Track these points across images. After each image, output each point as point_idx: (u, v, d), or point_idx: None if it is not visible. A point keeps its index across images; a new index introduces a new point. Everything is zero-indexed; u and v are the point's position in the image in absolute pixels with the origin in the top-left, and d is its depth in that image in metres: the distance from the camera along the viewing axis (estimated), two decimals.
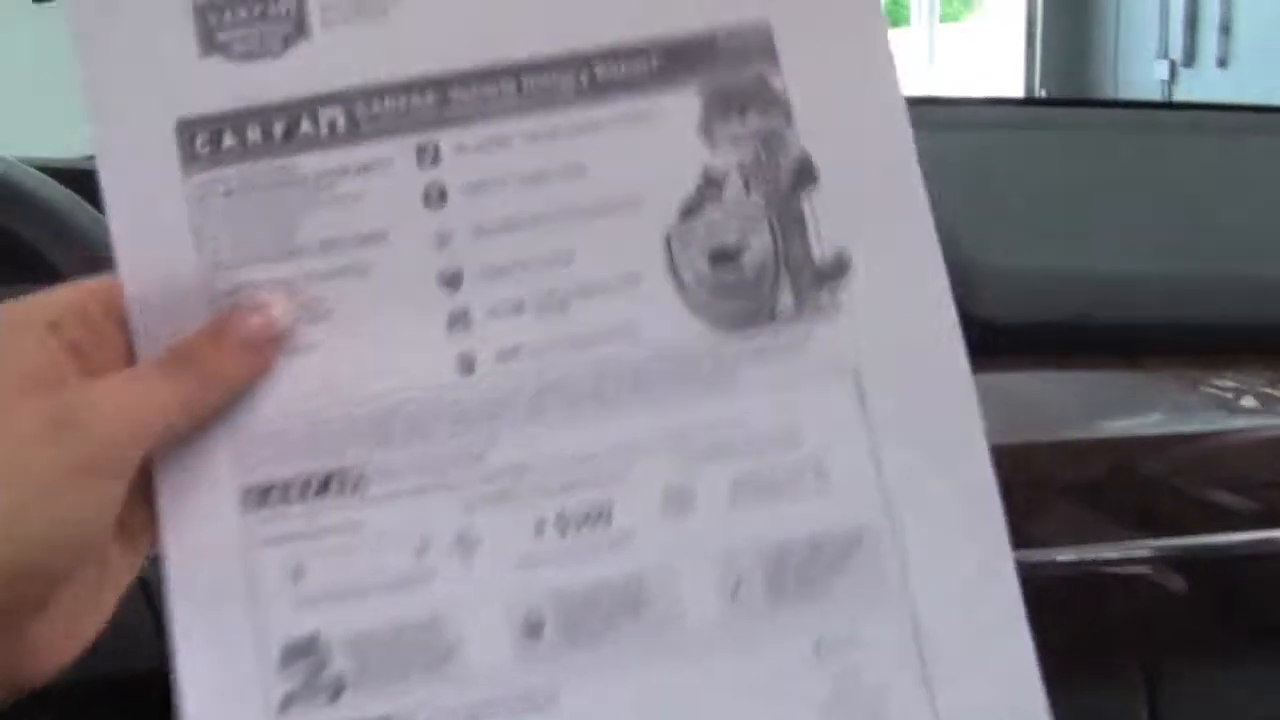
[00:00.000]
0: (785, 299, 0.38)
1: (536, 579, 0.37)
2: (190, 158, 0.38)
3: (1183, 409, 0.84)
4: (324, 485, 0.37)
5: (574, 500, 0.37)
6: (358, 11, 0.38)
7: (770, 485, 0.38)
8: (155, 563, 0.37)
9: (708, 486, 0.38)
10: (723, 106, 0.39)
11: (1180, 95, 4.10)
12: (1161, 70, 4.27)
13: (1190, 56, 4.12)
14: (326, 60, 0.38)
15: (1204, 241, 0.91)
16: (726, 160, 0.39)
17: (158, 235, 0.37)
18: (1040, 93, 4.40)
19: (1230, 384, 0.82)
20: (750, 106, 0.39)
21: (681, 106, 0.39)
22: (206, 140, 0.38)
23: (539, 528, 0.37)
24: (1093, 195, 0.98)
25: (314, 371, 0.37)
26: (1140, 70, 4.31)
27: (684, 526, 0.38)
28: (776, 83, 0.39)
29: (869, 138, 0.39)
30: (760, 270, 0.38)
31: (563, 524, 0.37)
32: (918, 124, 0.39)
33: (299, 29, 0.38)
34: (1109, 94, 4.38)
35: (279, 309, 0.37)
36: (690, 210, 0.38)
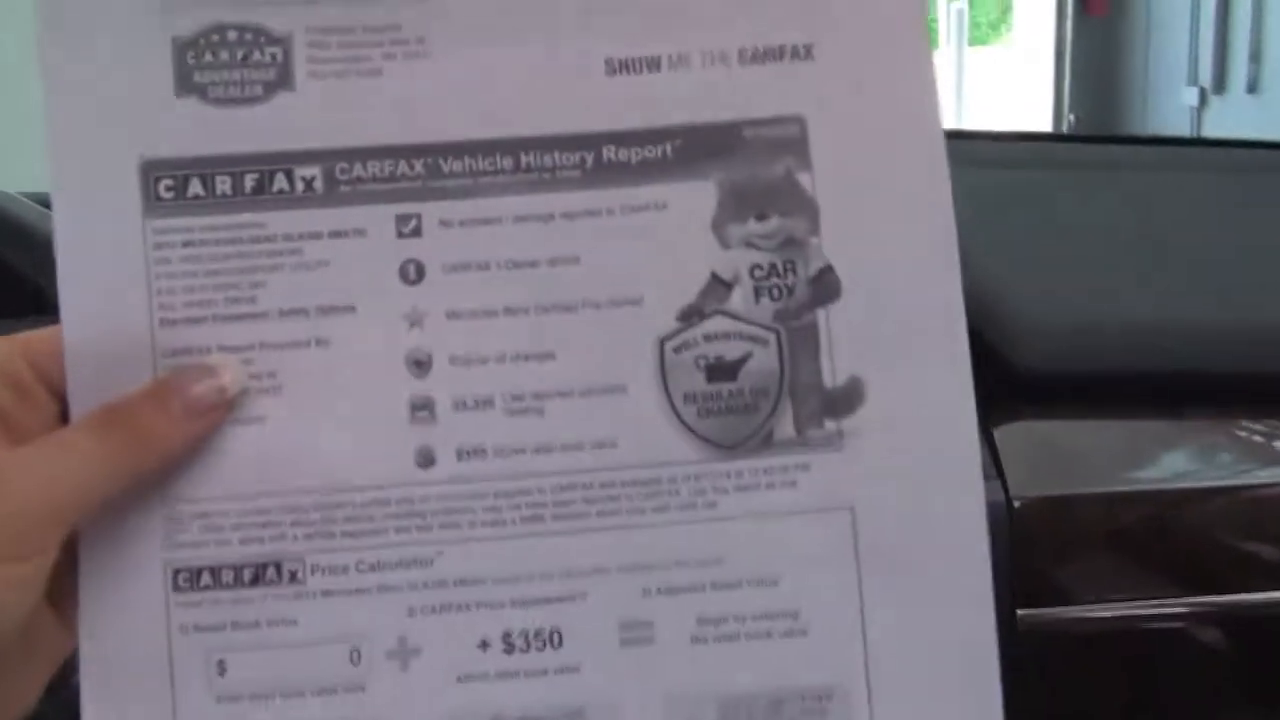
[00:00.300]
0: (784, 425, 0.35)
1: (475, 697, 0.35)
2: (152, 202, 0.35)
3: (1222, 460, 0.81)
4: (258, 574, 0.35)
5: (523, 618, 0.35)
6: (349, 66, 0.35)
7: (738, 627, 0.35)
8: None
9: (669, 621, 0.35)
10: (741, 203, 0.35)
11: (1209, 122, 4.06)
12: (1191, 97, 4.23)
13: (1220, 83, 4.08)
14: (309, 114, 0.35)
15: (1241, 286, 0.89)
16: (738, 263, 0.35)
17: (108, 282, 0.34)
18: (1069, 117, 4.36)
19: (1270, 432, 0.80)
20: (773, 206, 0.35)
21: (695, 198, 0.35)
22: (171, 185, 0.35)
23: (483, 643, 0.35)
24: (1128, 237, 0.95)
25: (258, 448, 0.35)
26: (1169, 96, 4.27)
27: (638, 662, 0.35)
28: (805, 182, 0.35)
29: (905, 254, 0.35)
30: (760, 391, 0.35)
31: (509, 642, 0.35)
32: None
33: (283, 78, 0.35)
34: (1138, 119, 4.34)
35: (229, 376, 0.34)
36: (690, 315, 0.35)
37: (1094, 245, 0.93)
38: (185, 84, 0.35)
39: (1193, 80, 4.19)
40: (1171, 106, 4.22)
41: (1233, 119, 3.92)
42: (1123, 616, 0.72)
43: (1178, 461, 0.81)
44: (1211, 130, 3.97)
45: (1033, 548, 0.68)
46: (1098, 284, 0.86)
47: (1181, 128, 4.08)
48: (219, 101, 0.35)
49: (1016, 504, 0.67)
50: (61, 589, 0.34)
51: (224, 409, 0.34)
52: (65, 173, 0.34)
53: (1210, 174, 1.10)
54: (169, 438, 0.33)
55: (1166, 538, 0.74)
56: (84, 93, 0.35)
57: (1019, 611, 0.67)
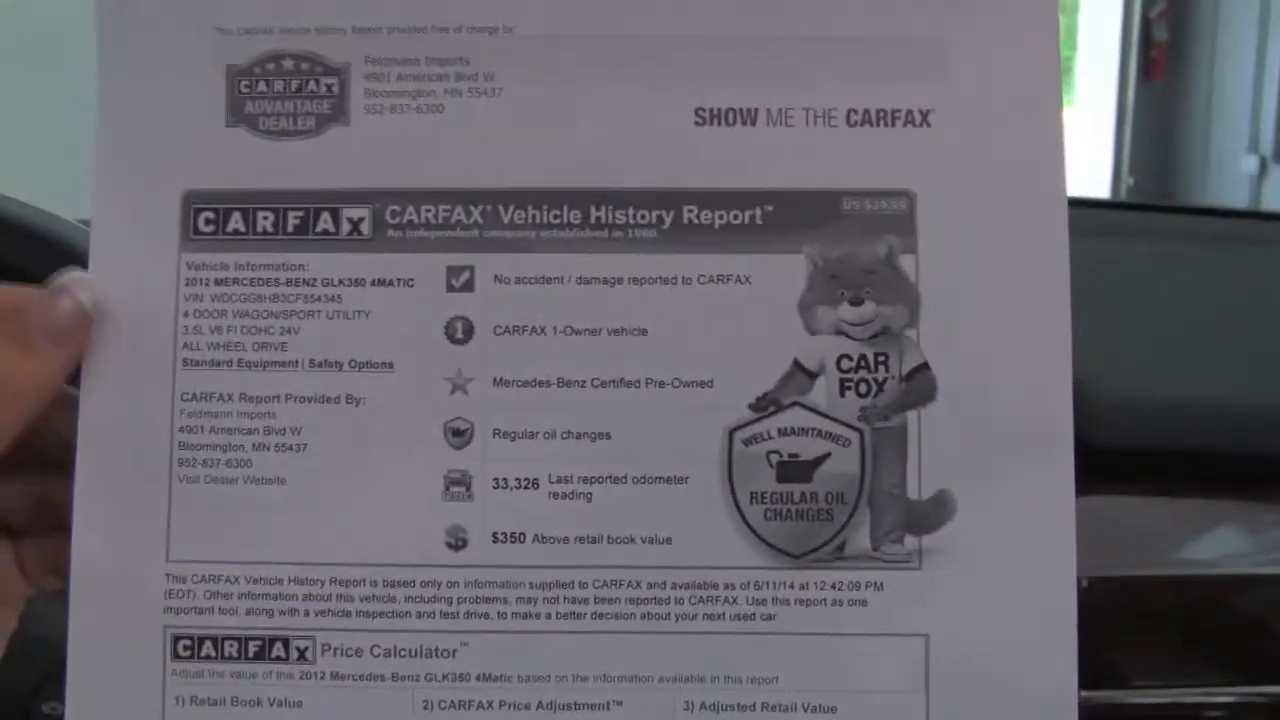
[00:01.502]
0: (860, 537, 0.31)
1: None
2: (190, 235, 0.32)
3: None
4: (264, 648, 0.32)
5: None
6: (409, 101, 0.32)
7: None
8: None
9: None
10: (834, 283, 0.31)
11: (1269, 191, 4.01)
12: (1251, 165, 4.18)
13: None
14: (362, 151, 0.32)
15: None
16: (825, 351, 0.31)
17: (134, 315, 0.32)
18: (1128, 180, 4.32)
19: None
20: (870, 290, 0.31)
21: (783, 273, 0.31)
22: (212, 218, 0.32)
23: None
24: (1193, 312, 0.92)
25: (274, 510, 0.31)
26: (1229, 164, 4.22)
27: None
28: (908, 266, 0.31)
29: (1014, 360, 0.31)
30: (836, 496, 0.31)
31: None
32: None
33: (337, 111, 0.32)
34: (1197, 185, 4.29)
35: (85, 293, 0.31)
36: (766, 405, 0.31)
37: (1159, 318, 0.90)
38: (236, 114, 0.32)
39: (1253, 148, 4.14)
40: (1231, 173, 4.16)
41: None
42: (1188, 703, 0.68)
43: (1246, 544, 0.79)
44: (1271, 198, 3.92)
45: (1098, 628, 0.65)
46: (1164, 359, 0.84)
47: (1240, 195, 4.03)
48: (269, 134, 0.32)
49: (1084, 582, 0.64)
50: None
51: (88, 331, 0.31)
52: (107, 198, 0.32)
53: (1272, 248, 1.07)
54: (34, 376, 0.31)
55: (1233, 621, 0.71)
56: (135, 118, 0.32)
57: (1082, 693, 0.64)
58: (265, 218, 0.32)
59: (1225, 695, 0.68)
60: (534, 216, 0.31)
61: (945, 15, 0.32)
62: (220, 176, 0.32)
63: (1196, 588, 0.72)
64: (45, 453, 0.32)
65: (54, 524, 0.32)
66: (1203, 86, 4.35)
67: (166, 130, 0.32)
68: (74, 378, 0.32)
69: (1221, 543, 0.77)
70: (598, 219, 0.31)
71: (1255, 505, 0.78)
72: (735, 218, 0.31)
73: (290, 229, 0.32)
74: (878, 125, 0.32)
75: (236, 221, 0.32)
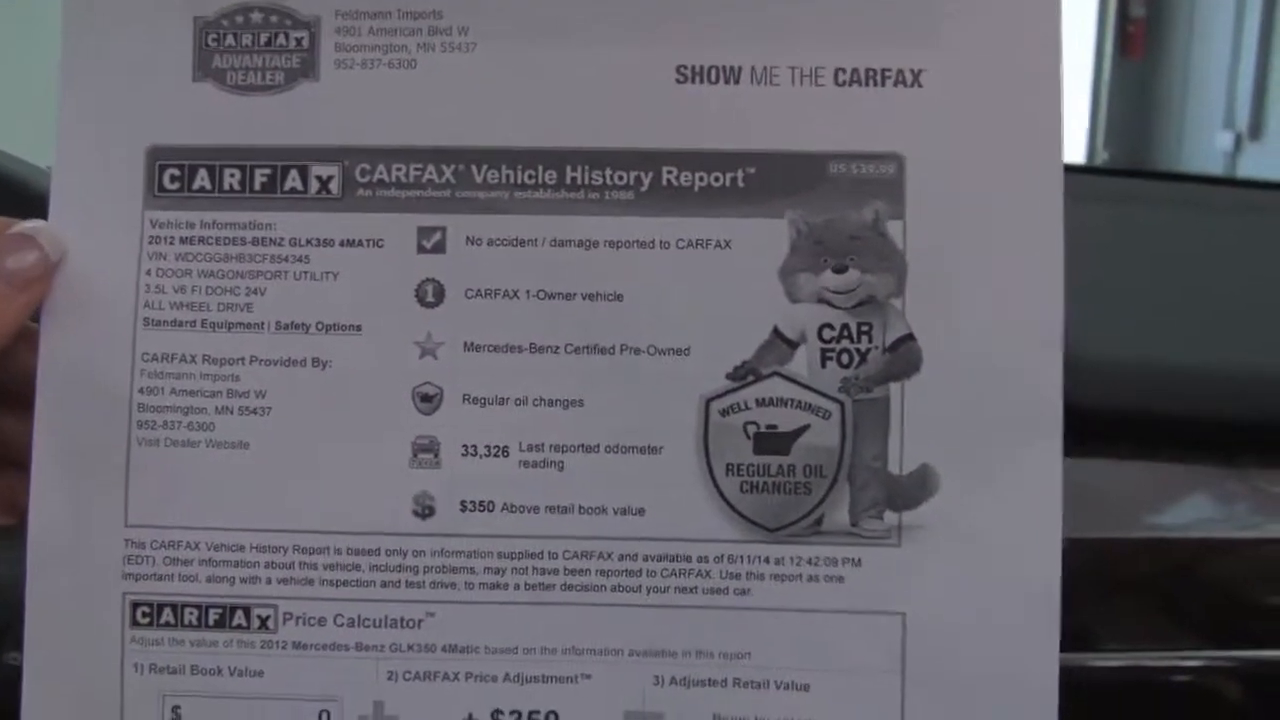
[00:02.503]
0: (838, 512, 0.30)
1: None
2: (154, 192, 0.31)
3: (1255, 509, 0.79)
4: (225, 617, 0.31)
5: (517, 696, 0.31)
6: (380, 56, 0.31)
7: None
8: None
9: (681, 717, 0.30)
10: (818, 249, 0.30)
11: (1244, 167, 4.02)
12: (1226, 141, 4.19)
13: (1256, 129, 4.03)
14: (331, 108, 0.31)
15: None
16: (806, 320, 0.30)
17: (94, 272, 0.31)
18: (1103, 155, 4.34)
19: None
20: (854, 257, 0.30)
21: (765, 239, 0.30)
22: (176, 175, 0.31)
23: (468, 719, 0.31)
24: (1172, 278, 0.92)
25: (237, 476, 0.31)
26: (1205, 140, 4.23)
27: None
28: (895, 232, 0.30)
29: (1002, 331, 0.30)
30: (814, 469, 0.30)
31: None
32: None
33: (306, 66, 0.31)
34: (1172, 161, 4.31)
35: (48, 242, 0.31)
36: (744, 374, 0.30)
37: (1138, 282, 0.90)
38: (203, 68, 0.31)
39: (1229, 125, 4.14)
40: (1207, 149, 4.18)
41: (1268, 165, 3.87)
42: (1158, 667, 0.68)
43: (1219, 510, 0.78)
44: (1246, 174, 3.93)
45: (1069, 590, 0.65)
46: (1142, 322, 0.83)
47: (1215, 171, 4.04)
48: (237, 88, 0.31)
49: None
50: None
51: (48, 279, 0.31)
52: (69, 151, 0.31)
53: (1245, 215, 1.07)
54: None
55: (1204, 586, 0.70)
56: (99, 70, 0.31)
57: None
58: (232, 175, 0.31)
59: (1195, 659, 0.69)
60: (508, 176, 0.30)
61: None
62: (186, 132, 0.31)
63: (1169, 552, 0.72)
64: (4, 386, 0.31)
65: (10, 459, 0.32)
66: (1179, 63, 4.35)
67: (131, 83, 0.31)
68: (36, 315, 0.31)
69: (1195, 509, 0.77)
70: (573, 179, 0.30)
71: (1229, 471, 0.78)
72: (716, 180, 0.30)
73: (257, 187, 0.31)
74: (867, 85, 0.30)
75: (202, 178, 0.31)
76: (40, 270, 0.30)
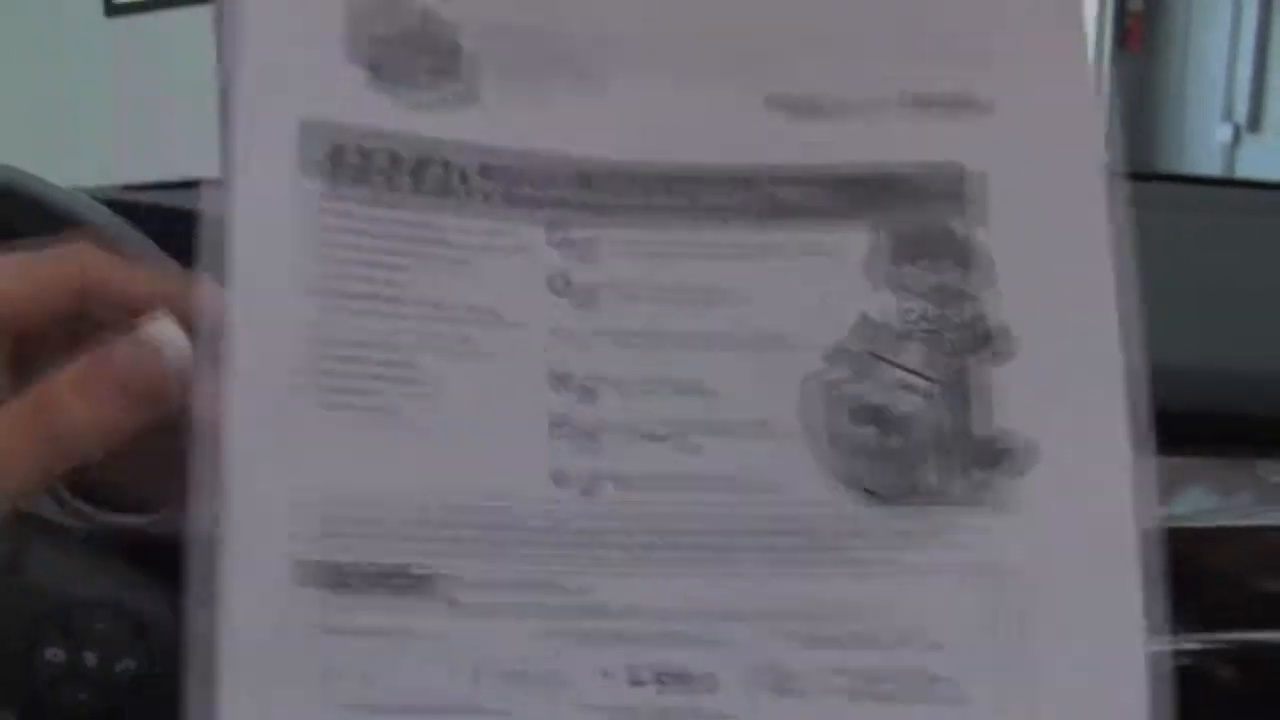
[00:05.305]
0: (937, 478, 0.34)
1: None
2: (323, 174, 0.34)
3: (1244, 500, 0.82)
4: (409, 583, 0.33)
5: (674, 657, 0.34)
6: (524, 88, 0.35)
7: (876, 684, 0.34)
8: None
9: (823, 675, 0.34)
10: (900, 246, 0.35)
11: (1243, 160, 4.03)
12: (1225, 133, 4.20)
13: (1255, 121, 4.05)
14: (482, 111, 0.35)
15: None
16: (895, 307, 0.35)
17: (269, 245, 0.33)
18: None
19: None
20: (934, 254, 0.35)
21: (851, 241, 0.35)
22: (332, 154, 0.34)
23: (633, 677, 0.33)
24: (1170, 277, 0.94)
25: (408, 450, 0.33)
26: (1204, 133, 4.24)
27: (792, 714, 0.34)
28: (969, 232, 0.35)
29: (1076, 313, 0.35)
30: (916, 440, 0.34)
31: (661, 681, 0.34)
32: None
33: (452, 66, 0.35)
34: (1172, 154, 4.31)
35: (169, 348, 0.31)
36: (838, 355, 0.35)
37: (1138, 282, 0.92)
38: (357, 54, 0.34)
39: (1227, 117, 4.16)
40: (1205, 142, 4.19)
41: (1267, 158, 3.89)
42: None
43: (1217, 502, 0.80)
44: (1244, 168, 3.95)
45: None
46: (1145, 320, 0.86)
47: (1214, 163, 4.06)
48: (390, 79, 0.34)
49: None
50: None
51: (166, 384, 0.31)
52: (240, 131, 0.33)
53: (1243, 215, 1.09)
54: (99, 425, 0.30)
55: (1202, 573, 0.73)
56: (258, 53, 0.34)
57: None
58: (381, 158, 0.34)
59: (1192, 643, 0.70)
60: (630, 191, 0.35)
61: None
62: (338, 112, 0.34)
63: (1169, 541, 0.74)
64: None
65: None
66: (1177, 56, 4.36)
67: (287, 65, 0.34)
68: None
69: (1192, 500, 0.80)
70: (690, 194, 0.35)
71: (1226, 463, 0.81)
72: (815, 192, 0.35)
73: (406, 173, 0.34)
74: (937, 108, 0.35)
75: (353, 158, 0.34)
76: (156, 380, 0.30)
